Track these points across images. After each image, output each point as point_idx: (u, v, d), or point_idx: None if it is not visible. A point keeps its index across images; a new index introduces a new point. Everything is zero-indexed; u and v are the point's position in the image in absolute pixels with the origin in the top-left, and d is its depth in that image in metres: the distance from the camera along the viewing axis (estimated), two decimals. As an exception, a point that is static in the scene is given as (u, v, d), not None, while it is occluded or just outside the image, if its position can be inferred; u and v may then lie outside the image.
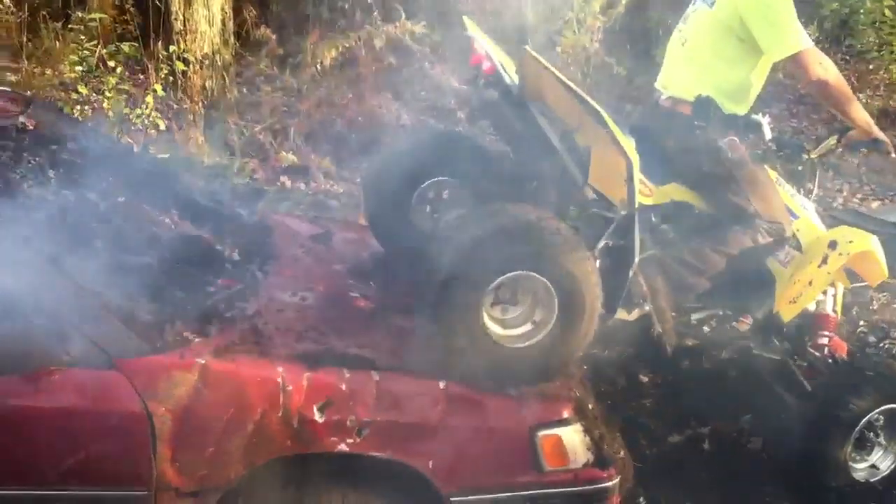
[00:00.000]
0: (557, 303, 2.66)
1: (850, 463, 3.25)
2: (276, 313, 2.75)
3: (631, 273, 3.04)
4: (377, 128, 7.21)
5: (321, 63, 6.90)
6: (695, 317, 3.44)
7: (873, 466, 3.34)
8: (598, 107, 2.84)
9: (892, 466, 3.33)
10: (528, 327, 2.71)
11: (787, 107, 8.20)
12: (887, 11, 8.16)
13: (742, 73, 3.26)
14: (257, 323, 2.65)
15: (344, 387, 2.47)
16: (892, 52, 8.39)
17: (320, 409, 2.43)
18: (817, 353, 3.42)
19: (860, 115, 3.22)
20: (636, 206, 2.92)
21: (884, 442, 3.33)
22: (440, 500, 2.52)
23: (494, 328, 2.66)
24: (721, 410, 3.65)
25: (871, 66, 8.68)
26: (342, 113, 7.34)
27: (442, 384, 2.55)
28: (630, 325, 3.79)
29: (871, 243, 3.31)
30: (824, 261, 3.27)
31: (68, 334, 2.31)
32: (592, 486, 2.64)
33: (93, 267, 2.52)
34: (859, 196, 6.58)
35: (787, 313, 3.34)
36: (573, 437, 2.61)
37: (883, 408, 3.22)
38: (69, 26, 6.15)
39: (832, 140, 3.41)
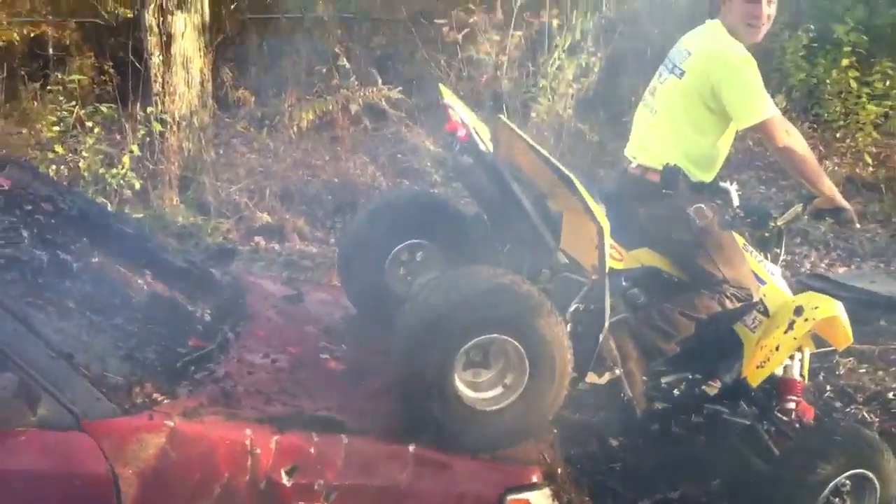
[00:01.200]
0: (528, 366, 2.67)
1: None
2: (247, 375, 2.76)
3: (601, 337, 3.07)
4: (353, 189, 7.29)
5: (298, 125, 6.99)
6: (664, 380, 3.46)
7: None
8: (569, 173, 2.89)
9: None
10: (499, 390, 2.71)
11: (757, 174, 8.36)
12: (852, 82, 8.37)
13: (710, 141, 3.33)
14: (227, 385, 2.64)
15: (313, 450, 2.46)
16: (857, 122, 8.60)
17: (288, 473, 2.42)
18: (785, 418, 3.44)
19: (825, 184, 3.28)
20: (607, 270, 2.97)
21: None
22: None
23: (466, 391, 2.66)
24: (690, 475, 3.67)
25: (837, 135, 8.89)
26: (318, 174, 7.43)
27: (411, 448, 2.55)
28: (601, 390, 3.82)
29: (835, 309, 3.36)
30: (790, 326, 3.30)
31: (36, 395, 2.30)
32: (562, 551, 2.62)
33: (63, 327, 2.52)
34: (826, 262, 6.68)
35: (755, 378, 3.37)
36: (542, 502, 2.61)
37: (849, 473, 3.22)
38: (47, 87, 6.21)
39: (798, 208, 3.48)
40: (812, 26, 9.12)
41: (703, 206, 3.26)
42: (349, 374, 2.96)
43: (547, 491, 2.63)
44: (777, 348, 3.30)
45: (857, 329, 4.85)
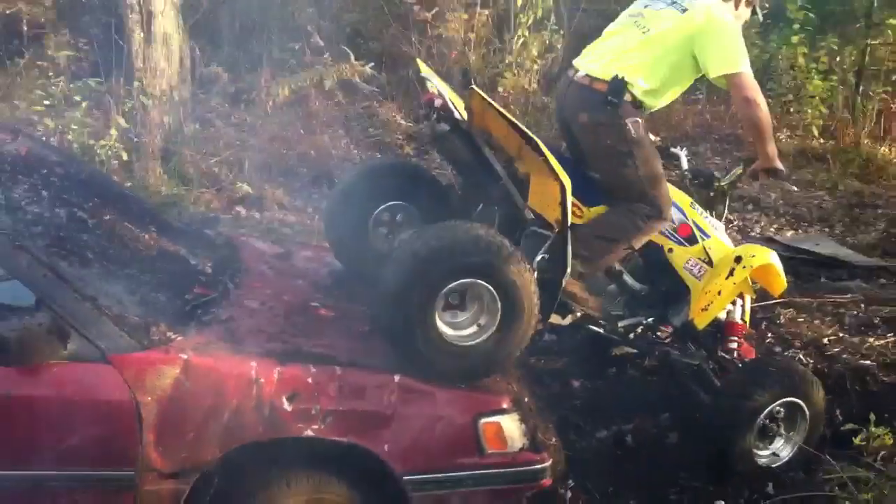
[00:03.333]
0: (500, 307, 3.01)
1: (755, 451, 3.61)
2: (248, 318, 3.07)
3: (564, 283, 3.42)
4: (328, 162, 7.57)
5: (274, 100, 7.22)
6: (621, 324, 3.82)
7: (774, 454, 3.70)
8: (535, 137, 3.21)
9: (792, 454, 3.69)
10: (474, 329, 3.04)
11: (712, 145, 8.75)
12: (801, 58, 8.76)
13: (674, 78, 3.62)
14: (231, 325, 2.96)
15: (310, 380, 2.78)
16: (807, 96, 9.01)
17: (289, 399, 2.73)
18: (727, 357, 3.81)
19: (769, 146, 3.63)
20: (569, 225, 3.31)
21: (784, 432, 3.70)
22: (394, 479, 2.83)
23: (445, 329, 3.00)
24: (642, 410, 4.06)
25: (791, 109, 9.30)
26: (294, 147, 7.69)
27: (397, 378, 2.88)
28: (564, 339, 4.21)
29: (770, 258, 3.73)
30: (731, 273, 3.65)
31: (66, 332, 2.60)
32: (527, 468, 2.98)
33: (85, 275, 2.82)
34: (776, 226, 7.08)
35: (701, 321, 3.72)
36: (511, 425, 2.95)
37: (783, 400, 3.59)
38: (36, 63, 6.40)
39: (738, 170, 3.88)
40: (767, 4, 9.51)
41: (639, 120, 3.55)
42: (338, 320, 3.28)
43: (515, 416, 2.98)
44: (719, 293, 3.65)
45: (800, 285, 5.32)
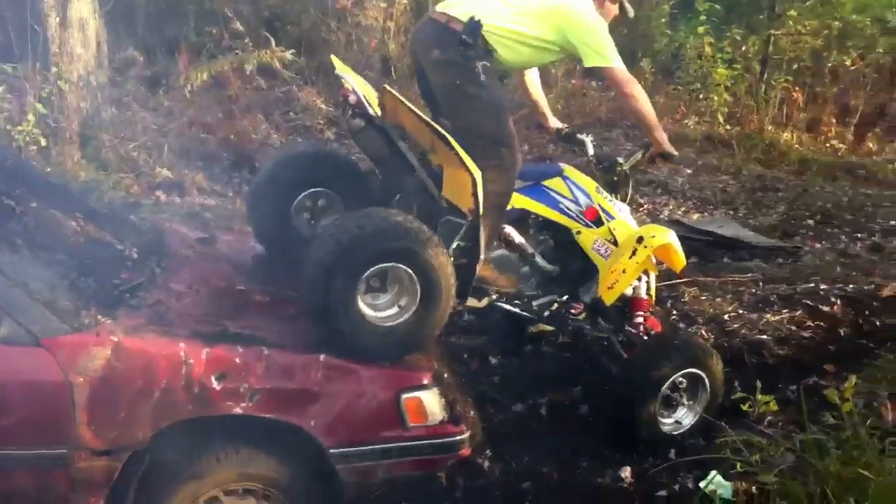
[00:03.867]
0: (419, 290, 3.17)
1: (659, 419, 3.84)
2: (175, 301, 3.15)
3: (478, 267, 3.60)
4: (248, 146, 7.61)
5: (193, 84, 7.22)
6: (535, 303, 4.02)
7: (677, 422, 3.92)
8: (445, 133, 3.35)
9: (693, 422, 3.93)
10: (394, 310, 3.20)
11: (624, 131, 9.05)
12: (707, 48, 9.11)
13: (532, 48, 3.73)
14: (160, 309, 3.04)
15: (238, 360, 2.87)
16: (713, 84, 9.39)
17: (218, 379, 2.82)
18: (633, 331, 4.04)
19: (658, 133, 3.87)
20: (481, 213, 3.45)
21: (686, 402, 3.94)
22: (321, 452, 2.96)
23: (367, 311, 3.15)
24: (555, 384, 4.28)
25: (700, 96, 9.66)
26: (214, 132, 7.70)
27: (322, 357, 3.00)
28: (482, 319, 4.39)
29: (669, 237, 3.95)
30: (634, 253, 3.85)
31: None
32: (447, 440, 3.13)
33: (15, 261, 2.88)
34: (683, 209, 7.41)
35: (609, 298, 3.90)
36: (431, 399, 3.10)
37: (685, 371, 3.83)
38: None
39: (639, 154, 4.11)
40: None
41: (488, 64, 3.63)
42: (264, 302, 3.40)
43: (436, 391, 3.13)
44: (624, 272, 3.85)
45: (703, 265, 5.61)
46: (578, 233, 3.96)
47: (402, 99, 3.41)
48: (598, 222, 3.97)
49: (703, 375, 3.89)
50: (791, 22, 9.70)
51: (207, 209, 6.45)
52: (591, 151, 4.21)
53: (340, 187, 3.87)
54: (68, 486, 2.76)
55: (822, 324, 4.91)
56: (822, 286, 5.17)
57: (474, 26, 3.57)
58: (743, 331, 4.84)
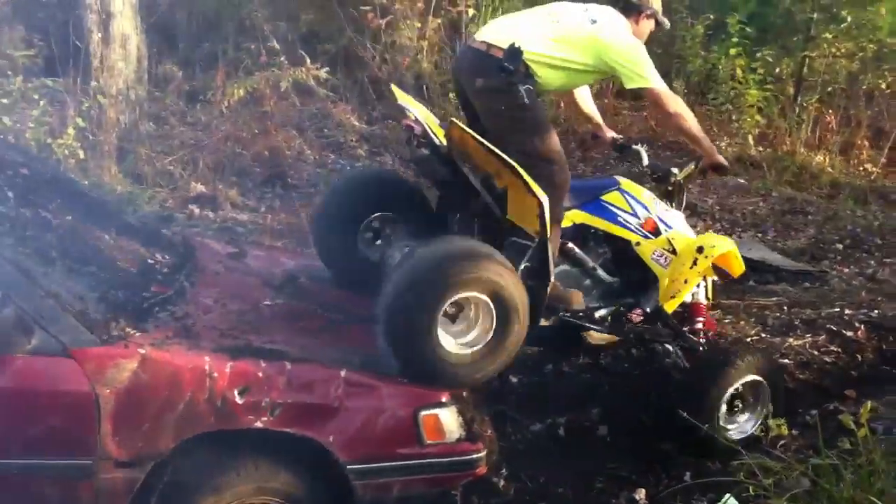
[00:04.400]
0: (496, 317, 3.24)
1: (723, 425, 3.94)
2: (202, 315, 3.23)
3: (549, 288, 3.63)
4: (281, 162, 7.72)
5: (229, 100, 7.35)
6: (598, 314, 4.09)
7: (741, 429, 4.03)
8: (512, 162, 3.41)
9: (756, 427, 4.01)
10: (472, 336, 3.28)
11: (655, 151, 9.04)
12: (739, 70, 9.07)
13: (572, 71, 3.83)
14: (187, 322, 3.13)
15: (260, 374, 2.94)
16: (747, 105, 9.35)
17: (240, 393, 2.89)
18: (694, 337, 4.14)
19: (706, 144, 3.97)
20: (548, 234, 3.51)
21: (748, 409, 4.04)
22: (339, 468, 3.00)
23: (445, 338, 3.21)
24: (575, 405, 4.31)
25: (733, 117, 9.63)
26: (248, 147, 7.83)
27: (343, 372, 3.05)
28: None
29: (729, 245, 4.07)
30: (694, 263, 3.97)
31: (30, 327, 2.75)
32: (463, 458, 3.17)
33: (49, 272, 2.98)
34: (712, 231, 7.38)
35: (670, 307, 4.05)
36: (449, 417, 3.14)
37: (747, 378, 3.94)
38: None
39: (692, 165, 4.19)
40: (711, 16, 9.84)
41: (531, 87, 3.70)
42: (289, 317, 3.47)
43: (454, 408, 3.17)
44: (685, 281, 3.97)
45: (728, 287, 5.60)
46: (638, 244, 4.06)
47: (470, 132, 3.49)
48: (657, 232, 4.07)
49: (764, 382, 3.99)
50: (825, 45, 9.64)
51: (239, 224, 6.56)
52: (645, 161, 4.28)
53: (402, 210, 3.98)
54: (92, 497, 2.83)
55: (845, 349, 4.89)
56: (847, 311, 5.15)
57: (515, 52, 3.65)
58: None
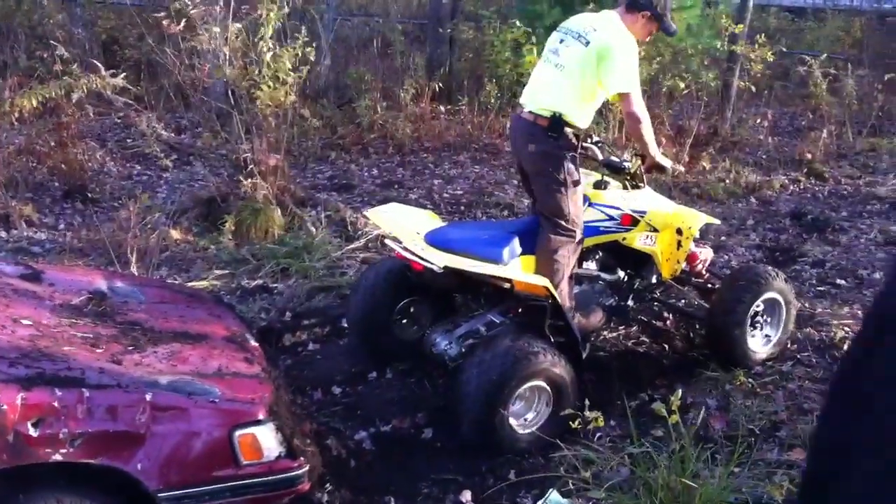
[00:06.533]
0: (552, 398, 3.98)
1: (750, 339, 4.66)
2: (-11, 343, 2.98)
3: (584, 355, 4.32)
4: (81, 175, 7.30)
5: (20, 111, 6.84)
6: (619, 306, 4.84)
7: (767, 336, 4.79)
8: (504, 275, 4.03)
9: (780, 335, 4.79)
10: (532, 415, 4.03)
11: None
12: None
13: (591, 98, 4.31)
14: (-30, 352, 2.87)
15: (56, 403, 2.73)
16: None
17: (34, 425, 2.67)
18: (700, 280, 4.98)
19: (651, 148, 4.44)
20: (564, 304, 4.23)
21: (769, 320, 4.77)
22: (149, 497, 2.84)
23: (513, 420, 3.92)
24: (400, 411, 4.27)
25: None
26: (44, 161, 7.36)
27: (149, 396, 2.88)
28: (330, 349, 4.35)
29: (703, 220, 4.79)
30: (679, 244, 4.70)
31: None
32: (284, 475, 3.08)
33: None
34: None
35: (672, 275, 4.82)
36: (267, 435, 3.04)
37: (763, 297, 4.64)
38: None
39: (638, 162, 4.62)
40: (517, 23, 10.05)
41: (576, 155, 4.27)
42: (88, 341, 3.24)
43: (271, 425, 3.06)
44: (678, 261, 4.73)
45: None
46: (624, 238, 4.62)
47: (466, 269, 3.93)
48: (635, 222, 4.60)
49: (779, 298, 4.70)
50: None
51: (35, 242, 6.14)
52: (600, 157, 4.63)
53: (427, 295, 4.58)
54: None
55: (655, 339, 5.10)
56: (656, 303, 5.38)
57: (557, 122, 4.21)
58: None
